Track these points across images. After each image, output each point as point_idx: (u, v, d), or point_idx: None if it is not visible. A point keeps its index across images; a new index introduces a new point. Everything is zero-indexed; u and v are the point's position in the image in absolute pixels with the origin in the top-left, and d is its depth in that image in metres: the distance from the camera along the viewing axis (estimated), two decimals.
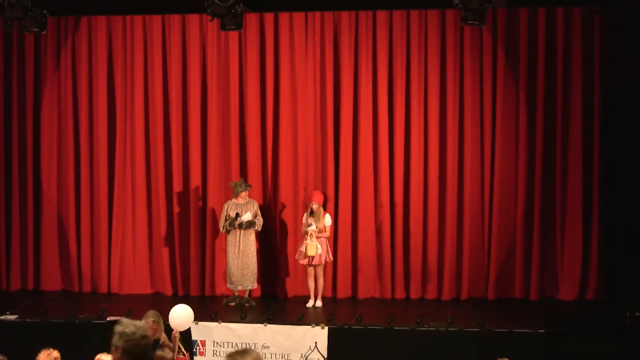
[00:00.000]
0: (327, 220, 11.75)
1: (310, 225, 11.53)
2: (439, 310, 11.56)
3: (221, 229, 11.97)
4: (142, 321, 8.64)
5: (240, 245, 11.75)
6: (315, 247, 11.51)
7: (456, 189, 12.22)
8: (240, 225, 11.69)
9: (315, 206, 11.61)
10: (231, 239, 11.82)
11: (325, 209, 11.87)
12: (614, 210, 11.96)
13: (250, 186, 12.00)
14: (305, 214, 11.78)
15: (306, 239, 11.53)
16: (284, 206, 12.56)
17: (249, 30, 12.37)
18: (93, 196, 12.85)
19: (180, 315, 8.94)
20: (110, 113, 12.80)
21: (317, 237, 11.54)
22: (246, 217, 11.70)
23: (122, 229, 12.78)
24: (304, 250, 11.56)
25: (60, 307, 11.87)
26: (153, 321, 8.57)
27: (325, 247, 11.69)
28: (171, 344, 8.74)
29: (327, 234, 11.74)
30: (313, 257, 11.57)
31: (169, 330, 8.93)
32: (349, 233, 12.41)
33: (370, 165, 12.34)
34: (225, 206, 11.93)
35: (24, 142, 12.96)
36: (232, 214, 11.76)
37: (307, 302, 11.82)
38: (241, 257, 11.73)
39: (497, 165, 12.18)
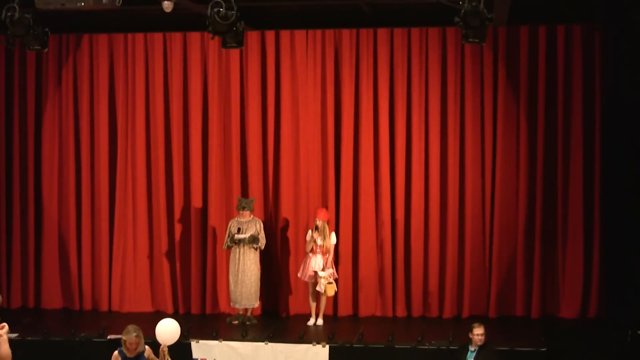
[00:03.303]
0: (333, 239, 11.72)
1: (315, 239, 11.50)
2: (440, 329, 11.53)
3: (223, 246, 11.96)
4: (124, 336, 8.71)
5: (239, 263, 11.73)
6: (333, 288, 11.59)
7: (457, 206, 12.21)
8: (239, 241, 11.66)
9: (319, 223, 11.59)
10: (232, 256, 11.80)
11: (330, 228, 11.84)
12: (615, 228, 11.93)
13: (245, 208, 11.82)
14: (309, 231, 11.74)
15: (321, 281, 11.47)
16: (285, 223, 12.54)
17: (250, 48, 12.39)
18: (94, 213, 12.84)
19: (166, 329, 8.92)
20: (112, 130, 12.82)
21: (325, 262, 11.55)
22: (243, 236, 11.68)
23: (123, 246, 12.77)
24: (323, 292, 11.53)
25: (61, 325, 11.83)
26: (136, 336, 8.64)
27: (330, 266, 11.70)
28: (156, 359, 8.75)
29: (331, 254, 11.71)
30: (332, 296, 11.73)
31: (156, 345, 8.87)
32: (350, 250, 12.39)
33: (371, 182, 12.33)
34: (230, 223, 11.92)
35: (25, 159, 12.96)
36: (234, 230, 11.75)
37: (308, 320, 11.79)
38: (240, 275, 11.71)
39: (498, 184, 12.18)
